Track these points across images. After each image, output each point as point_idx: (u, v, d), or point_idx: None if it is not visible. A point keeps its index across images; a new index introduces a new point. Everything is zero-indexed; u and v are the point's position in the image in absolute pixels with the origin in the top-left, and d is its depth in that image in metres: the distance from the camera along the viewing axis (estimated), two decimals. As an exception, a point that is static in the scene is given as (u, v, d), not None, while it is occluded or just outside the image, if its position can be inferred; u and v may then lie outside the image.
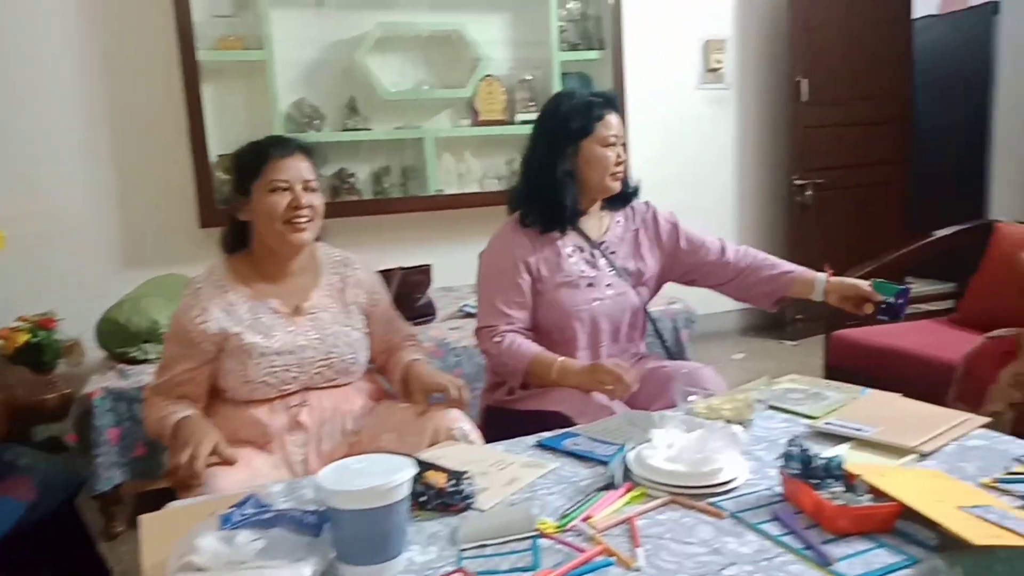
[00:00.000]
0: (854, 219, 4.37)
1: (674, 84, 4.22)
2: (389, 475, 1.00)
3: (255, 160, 1.60)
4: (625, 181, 1.92)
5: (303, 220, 1.59)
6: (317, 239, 1.70)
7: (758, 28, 4.34)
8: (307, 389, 1.63)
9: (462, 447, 1.48)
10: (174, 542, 0.99)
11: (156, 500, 1.64)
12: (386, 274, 2.84)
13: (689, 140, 4.26)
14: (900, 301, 1.67)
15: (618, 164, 1.84)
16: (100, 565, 1.72)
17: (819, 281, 1.83)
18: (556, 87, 3.75)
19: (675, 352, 2.72)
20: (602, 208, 1.94)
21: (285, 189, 1.58)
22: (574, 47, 3.90)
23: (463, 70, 3.71)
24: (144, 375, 2.37)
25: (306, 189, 1.61)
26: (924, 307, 3.24)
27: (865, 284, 1.74)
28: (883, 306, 1.68)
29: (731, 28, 4.30)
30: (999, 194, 4.30)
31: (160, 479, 2.36)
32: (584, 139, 1.81)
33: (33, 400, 2.78)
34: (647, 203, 2.00)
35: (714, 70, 4.29)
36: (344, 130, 3.54)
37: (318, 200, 1.63)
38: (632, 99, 3.93)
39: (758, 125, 4.43)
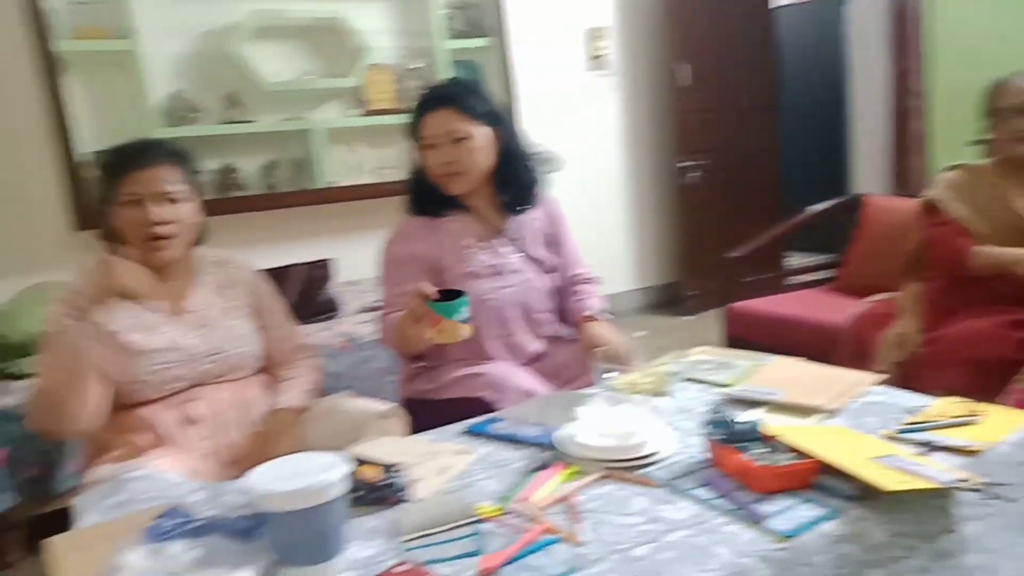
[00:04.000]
0: (734, 198, 4.60)
1: (560, 70, 4.29)
2: (324, 473, 0.96)
3: (113, 170, 1.51)
4: (510, 185, 1.84)
5: (162, 240, 1.52)
6: (198, 242, 1.65)
7: (637, 17, 4.47)
8: (197, 386, 1.57)
9: (387, 440, 1.44)
10: (97, 564, 0.92)
11: (53, 524, 1.52)
12: (284, 271, 2.75)
13: (578, 125, 4.34)
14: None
15: (441, 165, 1.74)
16: None
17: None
18: (445, 75, 3.73)
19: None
20: (501, 205, 1.87)
21: (141, 202, 1.50)
22: (461, 35, 3.89)
23: (347, 59, 3.62)
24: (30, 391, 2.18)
25: (168, 201, 1.52)
26: (805, 277, 3.46)
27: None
28: None
29: (612, 17, 4.41)
30: (860, 170, 4.63)
31: (56, 500, 2.20)
32: (417, 142, 1.79)
33: None
34: (551, 199, 1.96)
35: (598, 57, 4.39)
36: (226, 123, 3.38)
37: (184, 210, 1.55)
38: (522, 85, 3.96)
39: (642, 110, 4.57)
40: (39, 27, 2.89)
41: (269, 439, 1.55)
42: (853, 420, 1.35)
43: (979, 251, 2.07)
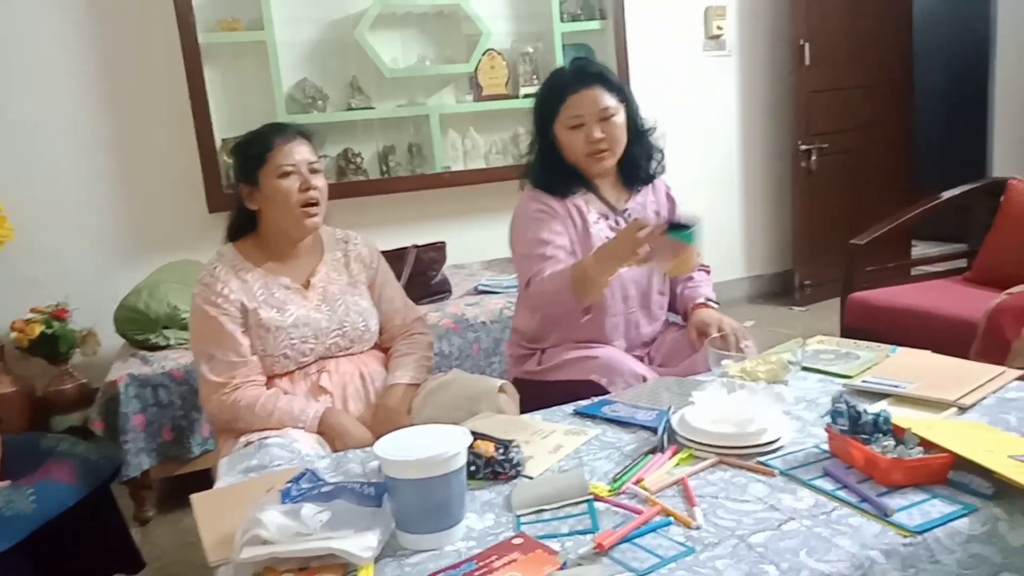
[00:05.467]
0: (859, 183, 4.37)
1: (677, 52, 4.19)
2: (447, 444, 1.00)
3: (260, 148, 1.61)
4: (638, 163, 1.86)
5: (314, 206, 1.62)
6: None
7: (757, -7, 4.31)
8: (324, 358, 1.67)
9: (501, 418, 1.48)
10: (234, 519, 0.99)
11: (185, 485, 1.65)
12: (400, 252, 2.84)
13: (694, 107, 4.23)
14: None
15: (595, 143, 1.74)
16: (133, 553, 1.73)
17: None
18: (558, 59, 3.72)
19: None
20: (622, 182, 1.89)
21: (293, 173, 1.60)
22: (575, 18, 3.86)
23: (464, 45, 3.67)
24: (167, 360, 2.38)
25: (311, 172, 1.63)
26: (934, 268, 3.26)
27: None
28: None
29: (731, -6, 4.26)
30: (1001, 152, 4.29)
31: (188, 463, 2.38)
32: (555, 120, 1.78)
33: (51, 391, 2.78)
34: (666, 183, 1.96)
35: (715, 36, 4.26)
36: (348, 109, 3.50)
37: (322, 182, 1.66)
38: (636, 68, 3.90)
39: (761, 90, 4.40)
40: (187, 21, 3.10)
41: (386, 414, 1.61)
42: (991, 416, 1.28)
43: None
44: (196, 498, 1.20)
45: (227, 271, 1.61)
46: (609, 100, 1.75)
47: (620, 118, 1.78)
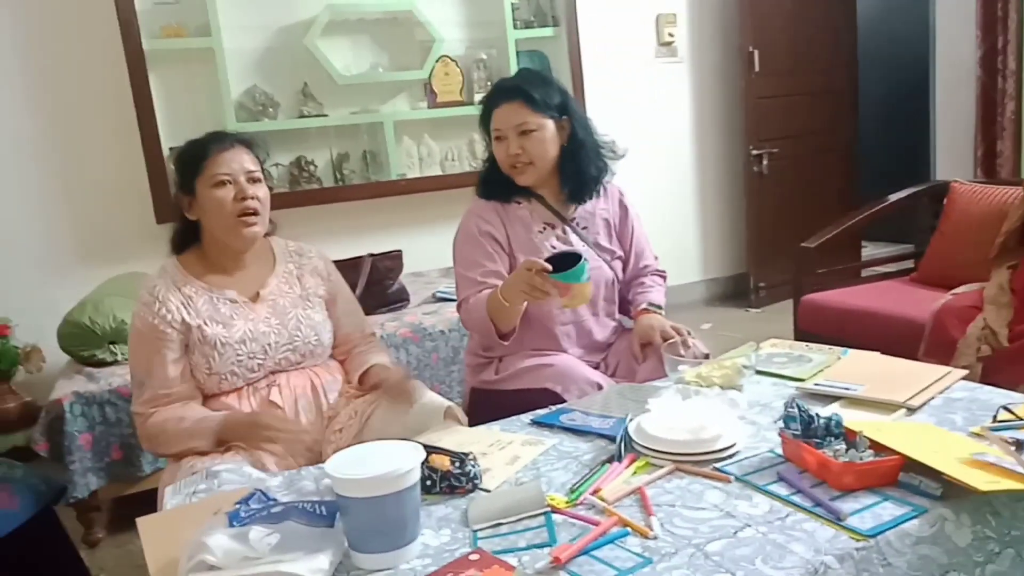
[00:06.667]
0: (808, 186, 4.46)
1: (630, 58, 4.23)
2: (399, 461, 0.98)
3: (195, 156, 1.57)
4: (576, 174, 1.83)
5: (252, 215, 1.57)
6: (268, 233, 1.69)
7: (707, 1, 4.37)
8: (274, 372, 1.63)
9: (458, 429, 1.46)
10: (182, 543, 0.96)
11: (135, 504, 1.60)
12: (356, 261, 2.80)
13: (647, 113, 4.28)
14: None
15: (512, 156, 1.77)
16: (83, 573, 1.67)
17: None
18: (512, 65, 3.72)
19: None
20: (563, 192, 1.86)
21: (229, 182, 1.56)
22: (528, 25, 3.87)
23: (417, 51, 3.65)
24: (114, 377, 2.30)
25: (250, 180, 1.59)
26: (882, 269, 3.34)
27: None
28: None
29: (682, 2, 4.32)
30: (943, 155, 4.42)
31: (138, 482, 2.30)
32: (488, 132, 1.82)
33: (-8, 411, 2.68)
34: (620, 189, 1.97)
35: (667, 43, 4.31)
36: (300, 117, 3.46)
37: (263, 191, 1.61)
38: (589, 74, 3.92)
39: (712, 97, 4.47)
40: (130, 27, 3.02)
41: (396, 384, 1.61)
42: (938, 417, 1.30)
43: None
44: (142, 521, 1.16)
45: (167, 287, 1.56)
46: (528, 116, 1.76)
47: (543, 133, 1.77)
